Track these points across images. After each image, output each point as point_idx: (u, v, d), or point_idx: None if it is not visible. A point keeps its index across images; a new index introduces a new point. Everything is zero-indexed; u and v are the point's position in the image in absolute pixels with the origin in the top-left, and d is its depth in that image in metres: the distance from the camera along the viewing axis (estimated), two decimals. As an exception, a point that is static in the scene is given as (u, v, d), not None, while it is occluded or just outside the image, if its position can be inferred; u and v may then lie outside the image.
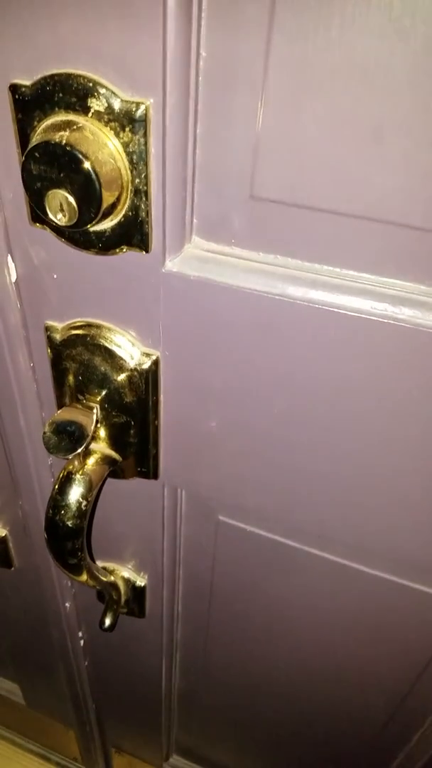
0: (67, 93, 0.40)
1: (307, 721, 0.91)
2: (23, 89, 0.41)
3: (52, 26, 0.38)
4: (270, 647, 0.80)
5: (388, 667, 0.72)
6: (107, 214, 0.42)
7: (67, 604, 0.91)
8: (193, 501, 0.66)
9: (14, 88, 0.41)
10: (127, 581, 0.78)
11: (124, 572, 0.78)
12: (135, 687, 1.04)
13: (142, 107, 0.39)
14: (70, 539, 0.55)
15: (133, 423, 0.56)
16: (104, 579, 0.69)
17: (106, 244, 0.45)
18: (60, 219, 0.41)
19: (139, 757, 1.27)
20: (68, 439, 0.52)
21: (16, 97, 0.42)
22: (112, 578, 0.75)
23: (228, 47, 0.37)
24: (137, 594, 0.79)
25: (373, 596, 0.64)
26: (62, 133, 0.39)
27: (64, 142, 0.38)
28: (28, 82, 0.41)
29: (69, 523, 0.54)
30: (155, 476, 0.61)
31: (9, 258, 0.52)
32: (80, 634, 0.95)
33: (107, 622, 0.76)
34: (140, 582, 0.77)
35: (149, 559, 0.75)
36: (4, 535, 0.85)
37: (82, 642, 0.96)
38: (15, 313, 0.56)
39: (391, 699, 0.76)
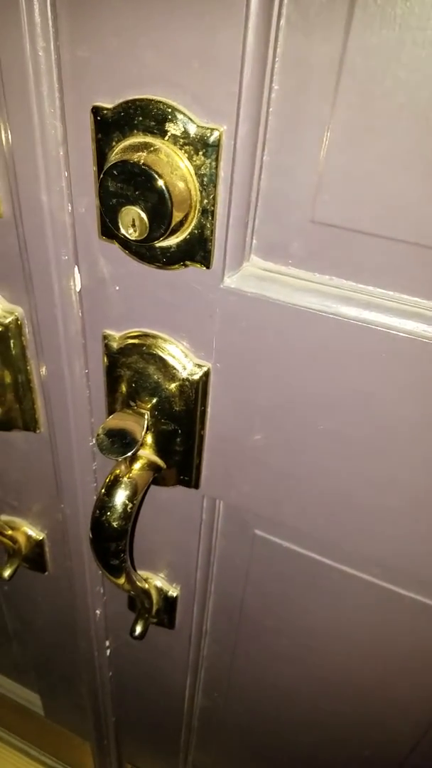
0: (146, 117, 0.43)
1: (331, 748, 0.90)
2: (104, 111, 0.45)
3: (137, 57, 0.42)
4: (297, 668, 0.80)
5: (417, 694, 0.72)
6: (174, 231, 0.45)
7: (97, 612, 0.92)
8: (231, 513, 0.68)
9: (96, 110, 0.45)
10: (159, 590, 0.80)
11: (158, 581, 0.80)
12: (157, 702, 1.04)
13: (216, 133, 0.42)
14: (114, 540, 0.57)
15: (180, 432, 0.58)
16: (140, 585, 0.71)
17: (170, 259, 0.48)
18: (131, 234, 0.44)
19: (155, 775, 1.26)
20: (120, 442, 0.54)
21: (98, 118, 0.45)
22: (146, 586, 0.77)
23: (298, 86, 0.40)
24: (168, 604, 0.80)
25: (408, 620, 0.64)
26: (140, 153, 0.42)
27: (141, 162, 0.42)
28: (109, 105, 0.44)
29: (114, 524, 0.56)
30: (196, 486, 0.63)
31: (76, 269, 0.56)
32: (107, 643, 0.96)
33: (138, 629, 0.78)
34: (172, 593, 0.79)
35: (183, 571, 0.77)
36: (41, 538, 0.88)
37: (108, 652, 0.97)
38: (76, 322, 0.60)
39: (417, 727, 0.76)
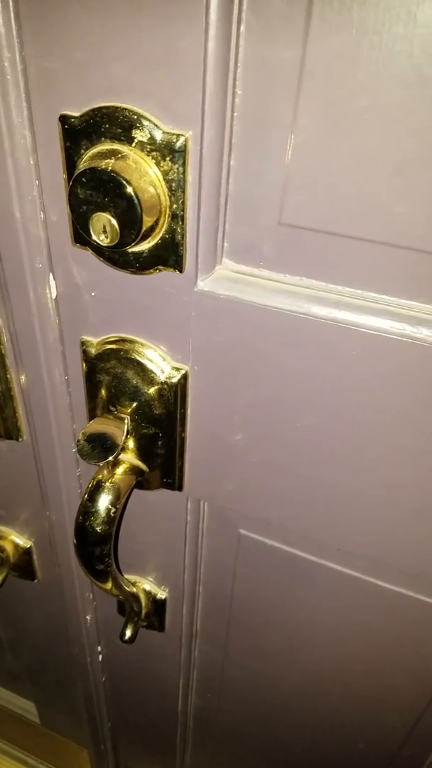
0: (113, 124, 0.43)
1: (326, 742, 0.91)
2: (72, 120, 0.45)
3: (102, 66, 0.42)
4: (288, 665, 0.81)
5: (406, 684, 0.73)
6: (146, 236, 0.46)
7: (88, 617, 0.93)
8: (216, 514, 0.69)
9: (64, 119, 0.45)
10: (148, 594, 0.80)
11: (146, 584, 0.80)
12: (151, 705, 1.04)
13: (182, 139, 0.42)
14: (98, 545, 0.58)
15: (160, 435, 0.59)
16: (127, 589, 0.71)
17: (143, 264, 0.49)
18: (102, 240, 0.45)
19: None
20: (100, 447, 0.55)
21: (65, 126, 0.46)
22: (134, 590, 0.77)
23: (261, 90, 0.41)
24: (158, 607, 0.81)
25: (393, 612, 0.65)
26: (108, 160, 0.43)
27: (109, 168, 0.42)
28: (77, 114, 0.45)
29: (98, 529, 0.57)
30: (180, 488, 0.64)
31: (51, 276, 0.56)
32: (99, 648, 0.96)
33: (128, 633, 0.78)
34: (161, 595, 0.79)
35: (171, 573, 0.77)
36: (29, 546, 0.88)
37: (100, 657, 0.97)
38: (53, 329, 0.60)
39: (410, 717, 0.77)
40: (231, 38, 0.39)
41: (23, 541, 0.87)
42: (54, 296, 0.57)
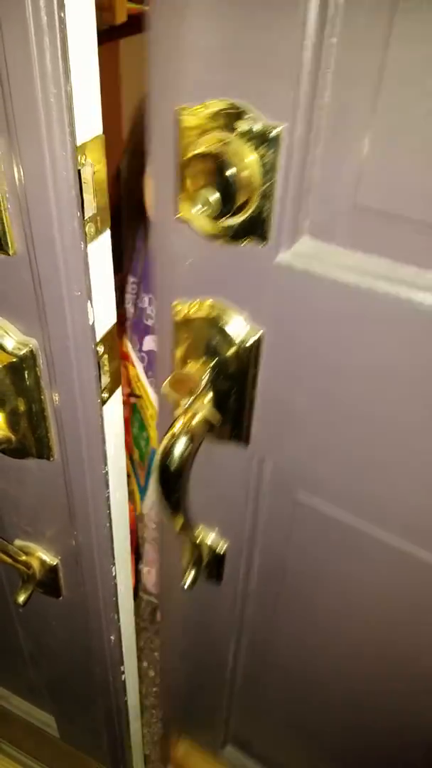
0: (220, 116, 0.51)
1: (378, 723, 0.96)
2: (186, 111, 0.53)
3: (217, 70, 0.50)
4: (337, 635, 0.87)
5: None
6: (239, 211, 0.53)
7: (111, 637, 0.92)
8: (278, 473, 0.75)
9: (180, 111, 0.53)
10: (209, 546, 0.86)
11: (209, 537, 0.86)
12: (201, 668, 1.09)
13: (277, 130, 0.49)
14: (175, 479, 0.67)
15: (234, 391, 0.67)
16: (194, 533, 0.83)
17: (234, 236, 0.56)
18: (203, 212, 0.52)
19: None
20: (183, 389, 0.65)
21: (181, 117, 0.53)
22: (199, 539, 0.85)
23: (345, 91, 0.48)
24: (217, 560, 0.88)
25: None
26: (215, 145, 0.50)
27: (215, 152, 0.49)
28: (191, 106, 0.52)
29: (177, 462, 0.65)
30: (246, 442, 0.72)
31: (89, 304, 0.61)
32: (122, 668, 0.95)
33: (188, 581, 0.85)
34: (221, 549, 0.86)
35: (231, 527, 0.84)
36: (55, 564, 0.88)
37: (123, 677, 0.96)
38: (88, 354, 0.65)
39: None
40: (323, 48, 0.48)
41: (50, 559, 0.87)
42: (91, 322, 0.62)
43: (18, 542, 0.87)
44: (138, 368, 1.39)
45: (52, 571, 0.87)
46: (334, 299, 0.56)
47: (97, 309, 0.63)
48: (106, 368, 0.70)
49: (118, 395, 0.74)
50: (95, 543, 0.83)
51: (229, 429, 0.71)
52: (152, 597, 2.03)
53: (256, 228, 0.55)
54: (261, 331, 0.62)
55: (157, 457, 0.67)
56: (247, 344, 0.63)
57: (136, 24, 2.98)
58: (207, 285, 0.63)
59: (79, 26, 0.49)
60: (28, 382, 0.68)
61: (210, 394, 0.68)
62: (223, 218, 0.52)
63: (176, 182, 0.55)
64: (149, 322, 1.38)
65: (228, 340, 0.63)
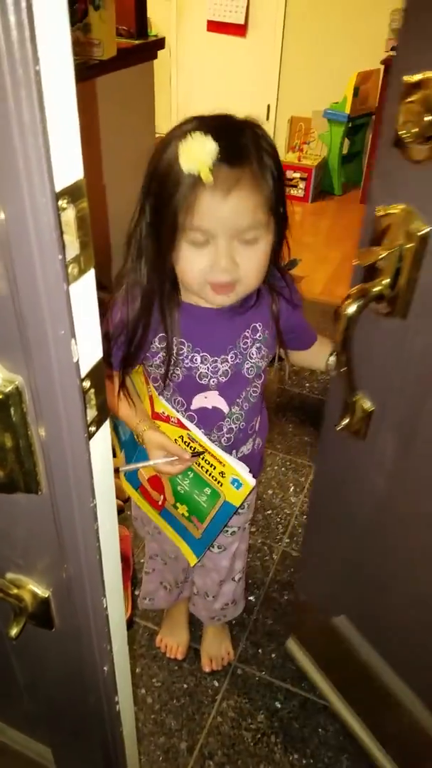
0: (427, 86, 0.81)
1: None
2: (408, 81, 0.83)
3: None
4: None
5: None
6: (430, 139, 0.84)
7: (105, 668, 0.92)
8: (425, 348, 1.04)
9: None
10: (362, 407, 1.19)
11: (363, 401, 1.19)
12: (335, 537, 1.45)
13: None
14: (349, 325, 0.96)
15: (399, 272, 0.96)
16: (354, 393, 1.16)
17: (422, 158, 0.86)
18: (407, 137, 0.85)
19: None
20: (369, 258, 0.98)
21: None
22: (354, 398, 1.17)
23: None
24: (366, 416, 1.19)
25: None
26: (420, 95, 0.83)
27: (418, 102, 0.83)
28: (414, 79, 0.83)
29: (355, 311, 0.95)
30: (405, 317, 1.02)
31: (73, 342, 0.62)
32: (116, 698, 0.95)
33: (344, 423, 1.19)
34: (369, 408, 1.18)
35: (380, 392, 1.13)
36: (47, 596, 0.88)
37: (118, 707, 0.96)
38: (74, 389, 0.66)
39: None
40: None
41: (41, 591, 0.87)
42: (76, 360, 0.63)
43: (9, 575, 0.88)
44: (190, 427, 1.35)
45: (44, 603, 0.88)
46: None
47: (82, 346, 0.64)
48: (93, 402, 0.71)
49: (105, 428, 0.75)
50: (86, 575, 0.83)
51: (394, 304, 0.99)
52: (149, 623, 2.02)
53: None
54: (428, 229, 0.91)
55: (342, 308, 0.95)
56: (420, 241, 0.92)
57: (125, 58, 3.05)
58: (399, 192, 0.92)
59: (56, 76, 0.50)
60: (14, 418, 0.69)
61: (387, 276, 0.96)
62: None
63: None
64: (203, 381, 1.35)
65: (409, 235, 0.92)
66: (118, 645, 0.95)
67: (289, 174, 5.36)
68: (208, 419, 1.39)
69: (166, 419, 1.36)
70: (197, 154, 1.03)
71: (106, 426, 0.76)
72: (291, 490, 2.54)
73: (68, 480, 0.73)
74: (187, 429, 1.34)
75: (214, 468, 1.34)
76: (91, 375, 0.69)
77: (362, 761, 1.66)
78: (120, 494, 2.45)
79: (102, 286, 0.68)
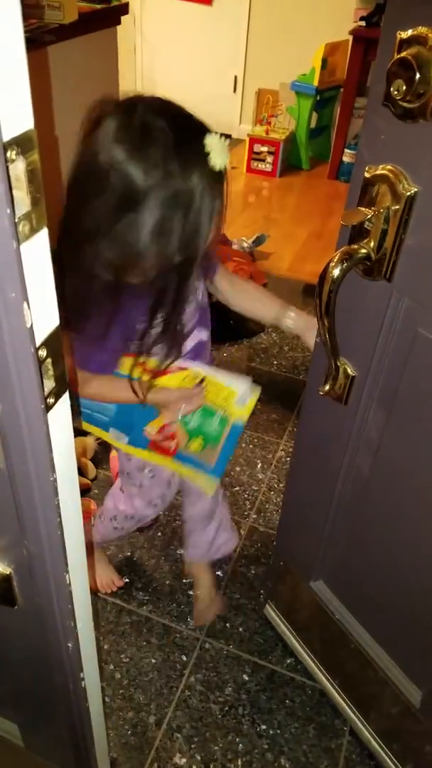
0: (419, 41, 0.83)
1: None
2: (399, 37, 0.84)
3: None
4: None
5: None
6: (420, 95, 0.84)
7: (69, 645, 0.91)
8: (408, 312, 1.03)
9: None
10: (345, 370, 1.18)
11: (346, 365, 1.18)
12: (313, 501, 1.45)
13: None
14: (331, 291, 1.00)
15: (386, 234, 0.97)
16: (338, 356, 1.16)
17: (411, 116, 0.86)
18: (396, 95, 0.85)
19: None
20: (355, 219, 0.99)
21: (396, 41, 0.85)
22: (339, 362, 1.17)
23: None
24: (350, 381, 1.19)
25: None
26: (413, 51, 0.83)
27: (410, 57, 0.83)
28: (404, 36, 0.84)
29: (338, 275, 0.99)
30: (390, 280, 1.02)
31: (25, 305, 0.59)
32: (82, 675, 0.93)
33: (327, 387, 1.19)
34: (351, 372, 1.17)
35: (363, 356, 1.11)
36: (8, 573, 0.85)
37: (83, 683, 0.94)
38: (29, 360, 0.63)
39: None
40: None
41: (2, 568, 0.85)
42: (29, 325, 0.60)
43: (-31, 553, 0.85)
44: (190, 365, 1.42)
45: (6, 580, 0.85)
46: None
47: (36, 311, 0.61)
48: (51, 372, 0.67)
49: (65, 400, 0.72)
50: (47, 551, 0.81)
51: (379, 266, 1.00)
52: (117, 600, 2.02)
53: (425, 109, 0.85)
54: (415, 189, 0.91)
55: (325, 272, 0.98)
56: (407, 196, 0.92)
57: (87, 22, 2.95)
58: (389, 152, 0.93)
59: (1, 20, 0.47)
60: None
61: (372, 236, 0.98)
62: (409, 102, 0.84)
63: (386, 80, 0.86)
64: (189, 326, 1.40)
65: (396, 194, 0.93)
66: (83, 622, 0.93)
67: (257, 148, 5.28)
68: (198, 354, 1.48)
69: (165, 372, 1.38)
70: (224, 146, 1.03)
71: (66, 398, 0.73)
72: (258, 466, 2.54)
73: (25, 454, 0.70)
74: (187, 369, 1.42)
75: (218, 395, 1.44)
76: (47, 343, 0.65)
77: (328, 731, 1.69)
78: (86, 474, 2.43)
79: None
